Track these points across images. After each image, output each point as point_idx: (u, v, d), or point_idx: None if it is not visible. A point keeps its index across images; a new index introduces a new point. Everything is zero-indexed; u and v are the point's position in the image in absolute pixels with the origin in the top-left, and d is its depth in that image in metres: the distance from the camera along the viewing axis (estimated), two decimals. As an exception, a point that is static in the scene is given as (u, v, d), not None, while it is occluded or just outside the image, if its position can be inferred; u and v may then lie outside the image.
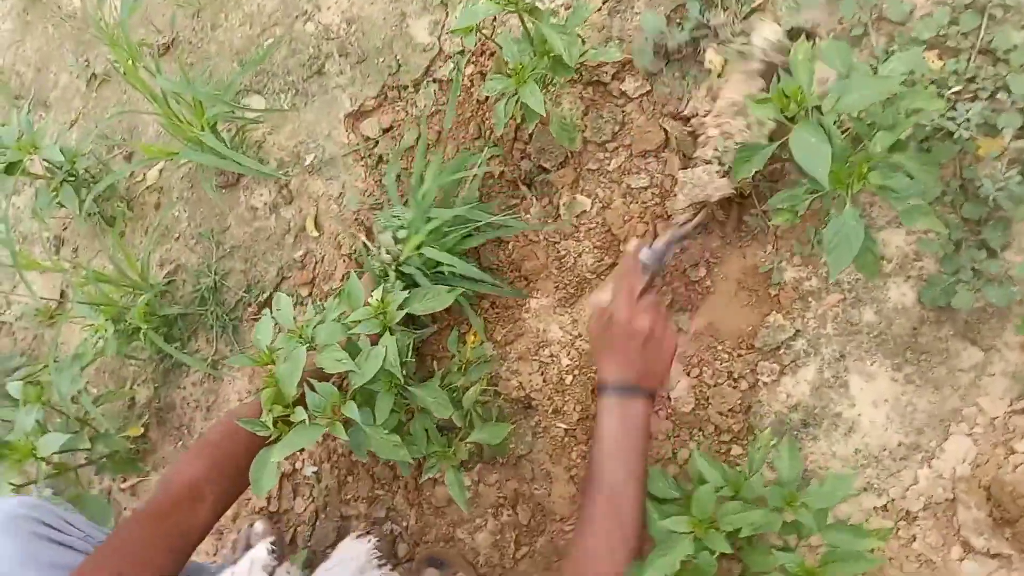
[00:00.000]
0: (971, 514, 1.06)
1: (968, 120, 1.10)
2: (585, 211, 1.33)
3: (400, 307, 1.11)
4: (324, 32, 1.61)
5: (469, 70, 1.48)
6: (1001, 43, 1.13)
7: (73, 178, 1.57)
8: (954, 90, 1.15)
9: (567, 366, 1.32)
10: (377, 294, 1.11)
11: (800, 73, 0.95)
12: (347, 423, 1.05)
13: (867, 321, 1.15)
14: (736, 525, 0.95)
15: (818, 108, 0.97)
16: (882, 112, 0.96)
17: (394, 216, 1.31)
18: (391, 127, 1.53)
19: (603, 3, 1.38)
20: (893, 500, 1.11)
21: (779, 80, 0.96)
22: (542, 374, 1.33)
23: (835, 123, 0.98)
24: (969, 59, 1.15)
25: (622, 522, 0.97)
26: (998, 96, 1.12)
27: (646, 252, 1.14)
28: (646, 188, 1.28)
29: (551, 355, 1.33)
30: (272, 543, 1.30)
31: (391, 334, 1.08)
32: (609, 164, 1.32)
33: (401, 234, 1.29)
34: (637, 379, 1.03)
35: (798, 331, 1.19)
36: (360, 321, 1.09)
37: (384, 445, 1.08)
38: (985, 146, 1.12)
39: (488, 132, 1.44)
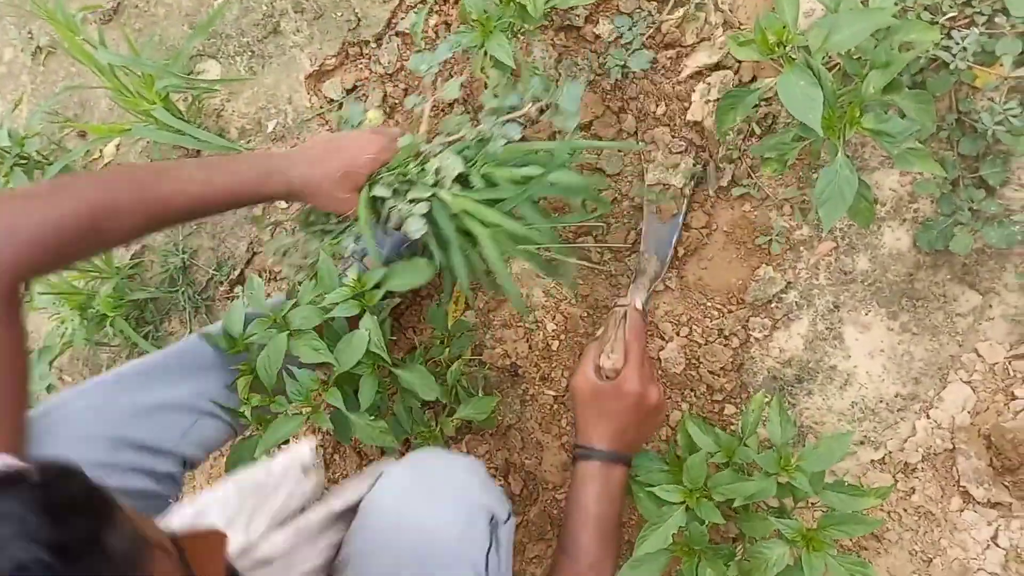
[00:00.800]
0: (971, 463, 1.03)
1: (964, 49, 1.03)
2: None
3: (378, 285, 1.05)
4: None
5: (433, 20, 1.39)
6: (997, -38, 1.05)
7: (24, 161, 1.49)
8: (949, 16, 1.07)
9: (552, 331, 1.27)
10: (353, 273, 1.05)
11: (784, 7, 0.88)
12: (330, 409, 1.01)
13: (861, 269, 1.10)
14: (729, 495, 0.92)
15: (806, 47, 0.90)
16: (874, 48, 0.89)
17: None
18: (354, 87, 1.45)
19: (570, -60, 1.28)
20: (891, 452, 1.08)
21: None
22: (527, 341, 1.29)
23: (824, 62, 0.91)
24: (963, -19, 1.07)
25: None
26: (995, 20, 1.05)
27: (641, 298, 1.07)
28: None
29: (536, 320, 1.28)
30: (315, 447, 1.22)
31: (372, 315, 1.02)
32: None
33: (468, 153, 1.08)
34: (627, 448, 0.96)
35: (789, 283, 1.14)
36: (337, 303, 1.04)
37: (370, 431, 1.04)
38: (983, 76, 1.05)
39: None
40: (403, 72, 1.41)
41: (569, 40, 1.28)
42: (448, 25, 1.37)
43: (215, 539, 0.62)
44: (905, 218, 1.08)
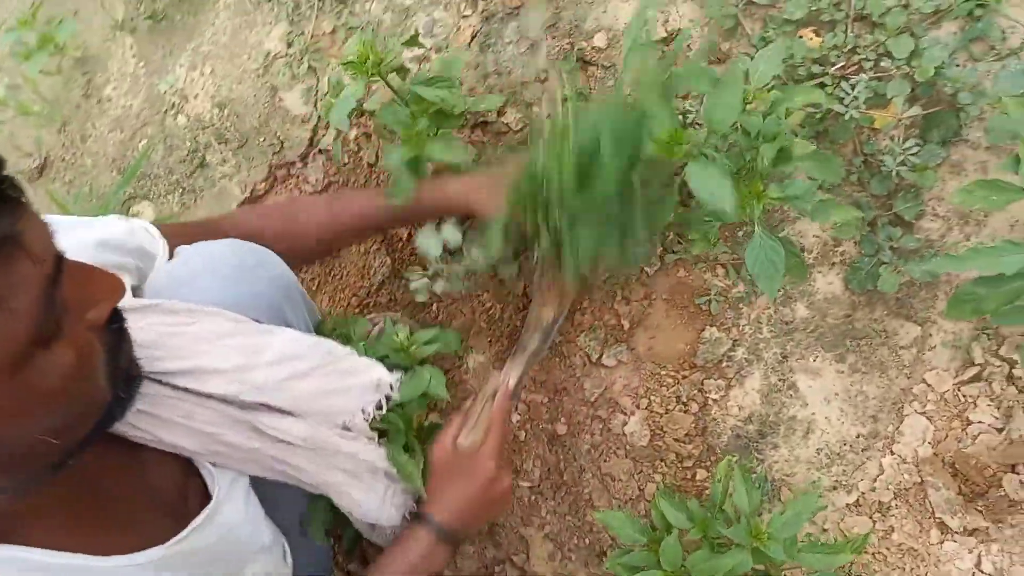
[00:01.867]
0: (941, 494, 1.04)
1: (855, 97, 1.07)
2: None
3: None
4: (197, 122, 1.53)
5: (353, 133, 1.41)
6: (875, 7, 1.10)
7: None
8: (838, 66, 1.11)
9: (518, 422, 1.27)
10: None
11: (661, 114, 0.91)
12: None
13: (801, 317, 1.12)
14: (707, 574, 0.92)
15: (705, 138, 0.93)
16: (763, 121, 0.92)
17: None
18: (288, 208, 1.47)
19: (471, 39, 1.32)
20: (864, 494, 1.09)
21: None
22: (494, 434, 1.29)
23: (720, 146, 0.94)
24: (846, 30, 1.11)
25: None
26: (882, 64, 1.09)
27: (515, 375, 1.08)
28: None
29: (498, 412, 1.28)
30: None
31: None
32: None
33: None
34: (462, 527, 0.95)
35: (735, 341, 1.15)
36: None
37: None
38: (880, 119, 1.08)
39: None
40: (333, 187, 1.43)
41: (485, 135, 1.31)
42: (368, 136, 1.40)
43: (109, 281, 0.61)
44: (833, 262, 1.11)
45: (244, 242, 0.87)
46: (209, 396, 0.77)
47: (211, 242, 0.85)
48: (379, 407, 0.90)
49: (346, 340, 1.04)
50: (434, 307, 1.34)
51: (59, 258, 0.55)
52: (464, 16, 1.33)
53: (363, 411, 0.87)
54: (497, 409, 1.00)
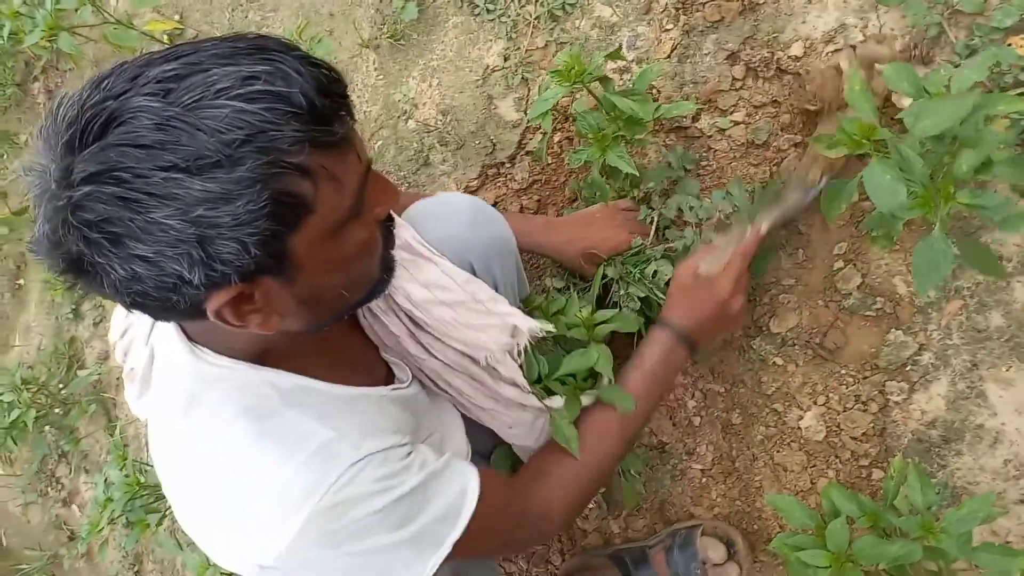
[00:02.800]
0: None
1: (1067, 105, 1.04)
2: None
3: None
4: (424, 127, 1.76)
5: (557, 137, 1.57)
6: (1094, 13, 1.07)
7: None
8: (1051, 72, 1.10)
9: (693, 408, 1.35)
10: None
11: (860, 106, 0.96)
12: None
13: (996, 326, 1.11)
14: (873, 560, 0.95)
15: (896, 135, 0.97)
16: (961, 127, 0.94)
17: None
18: (495, 203, 1.65)
19: (671, 51, 1.43)
20: (1054, 510, 1.06)
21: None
22: (671, 418, 1.38)
23: (919, 146, 0.97)
24: (1060, 37, 1.09)
25: (625, 421, 1.06)
26: (1103, 70, 1.06)
27: (766, 222, 1.14)
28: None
29: (676, 399, 1.37)
30: None
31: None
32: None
33: None
34: (697, 335, 1.10)
35: (922, 345, 1.16)
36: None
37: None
38: (1094, 126, 1.05)
39: (581, 190, 1.51)
40: (535, 185, 1.59)
41: (679, 140, 1.41)
42: (571, 140, 1.55)
43: (393, 190, 0.81)
44: (1035, 271, 1.09)
45: (481, 202, 1.09)
46: (397, 304, 0.97)
47: (459, 195, 1.06)
48: (518, 352, 1.04)
49: (544, 310, 1.19)
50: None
51: (368, 162, 0.75)
52: (666, 30, 1.43)
53: (494, 353, 1.01)
54: (742, 245, 1.11)
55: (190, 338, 0.81)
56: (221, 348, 0.80)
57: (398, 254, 0.97)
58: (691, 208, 1.28)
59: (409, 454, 0.83)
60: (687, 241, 1.25)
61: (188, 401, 0.79)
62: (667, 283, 1.19)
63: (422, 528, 0.80)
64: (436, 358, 1.01)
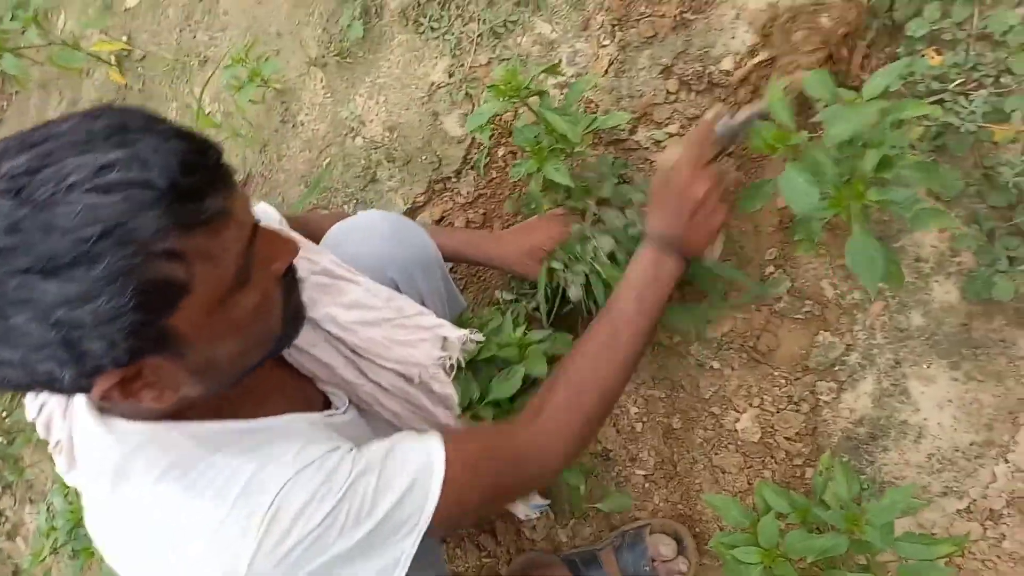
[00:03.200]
0: (1058, 505, 1.04)
1: (972, 111, 1.10)
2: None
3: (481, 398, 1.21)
4: (371, 144, 1.77)
5: (502, 151, 1.59)
6: (997, 26, 1.13)
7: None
8: (958, 83, 1.15)
9: (636, 414, 1.38)
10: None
11: (778, 113, 1.01)
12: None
13: (916, 325, 1.16)
14: (802, 553, 0.98)
15: (810, 139, 1.01)
16: (871, 132, 0.99)
17: None
18: (442, 217, 1.67)
19: (608, 67, 1.47)
20: (975, 501, 1.10)
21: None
22: (614, 425, 1.40)
23: (834, 150, 1.02)
24: (967, 49, 1.15)
25: (618, 342, 1.01)
26: (1002, 80, 1.12)
27: (723, 122, 1.12)
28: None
29: (619, 406, 1.40)
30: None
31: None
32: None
33: None
34: (678, 240, 1.05)
35: (849, 345, 1.20)
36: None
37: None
38: (999, 133, 1.11)
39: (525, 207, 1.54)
40: (481, 199, 1.61)
41: (618, 151, 1.44)
42: (514, 154, 1.58)
43: (288, 243, 0.78)
44: (950, 272, 1.14)
45: (400, 217, 1.09)
46: (327, 332, 0.95)
47: (376, 212, 1.06)
48: (450, 367, 1.03)
49: (481, 328, 1.21)
50: (563, 311, 1.47)
51: (255, 225, 0.72)
52: (603, 46, 1.48)
53: (427, 368, 1.00)
54: (694, 132, 1.10)
55: (102, 409, 0.78)
56: (134, 415, 0.76)
57: (318, 280, 0.97)
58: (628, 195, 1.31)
59: (348, 452, 0.80)
60: (626, 221, 1.26)
61: (114, 475, 0.75)
62: (609, 255, 1.22)
63: (386, 516, 0.76)
64: (372, 381, 1.00)
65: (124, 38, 2.40)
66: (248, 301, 0.71)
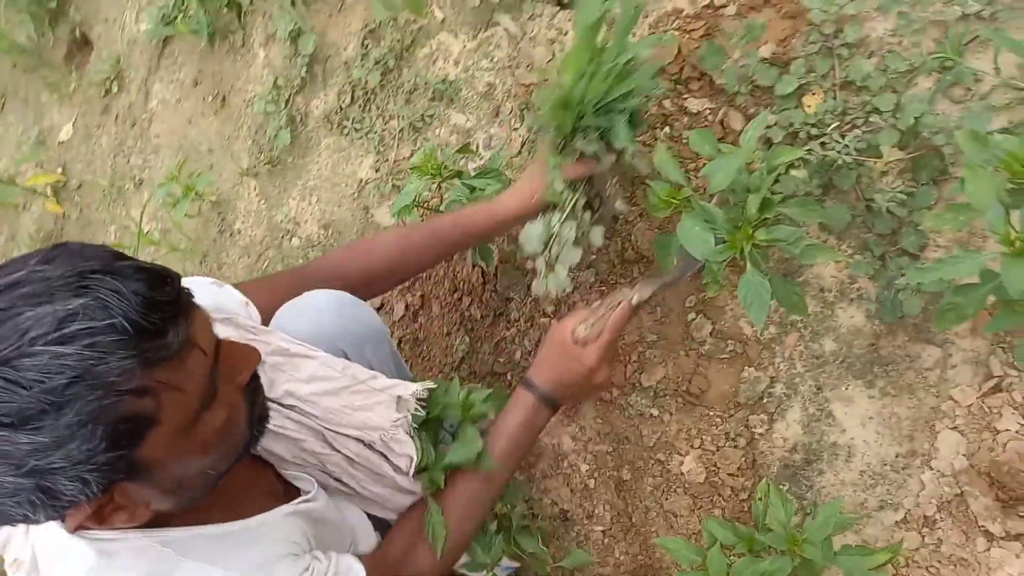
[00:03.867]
0: (981, 503, 1.09)
1: (846, 146, 1.22)
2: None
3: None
4: (307, 242, 1.84)
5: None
6: (856, 75, 1.26)
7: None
8: (834, 126, 1.27)
9: (586, 471, 1.41)
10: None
11: (668, 172, 1.10)
12: None
13: (830, 350, 1.23)
14: (749, 579, 1.01)
15: (700, 192, 1.11)
16: (749, 177, 1.09)
17: None
18: (382, 304, 1.72)
19: (521, 147, 1.57)
20: (909, 510, 1.15)
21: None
22: (567, 485, 1.43)
23: (721, 201, 1.12)
24: (835, 96, 1.28)
25: (491, 484, 1.10)
26: (871, 119, 1.24)
27: (642, 295, 1.15)
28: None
29: (570, 465, 1.43)
30: None
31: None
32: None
33: None
34: (561, 398, 1.14)
35: (773, 378, 1.27)
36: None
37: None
38: (878, 166, 1.23)
39: (461, 283, 1.61)
40: (417, 282, 1.67)
41: (540, 223, 1.53)
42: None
43: (250, 354, 0.80)
44: (852, 297, 1.22)
45: (345, 294, 1.13)
46: (288, 408, 0.99)
47: (320, 291, 1.10)
48: (410, 423, 1.08)
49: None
50: (508, 376, 1.53)
51: (218, 344, 0.74)
52: (514, 129, 1.58)
53: (386, 430, 1.04)
54: (616, 316, 1.14)
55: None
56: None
57: (273, 360, 1.01)
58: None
59: (304, 570, 0.86)
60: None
61: None
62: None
63: None
64: (339, 451, 1.03)
65: (59, 170, 2.46)
66: (215, 418, 0.74)
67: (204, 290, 1.04)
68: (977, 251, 0.90)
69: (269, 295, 1.12)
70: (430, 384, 1.13)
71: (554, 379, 1.14)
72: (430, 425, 1.22)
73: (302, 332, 1.09)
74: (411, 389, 1.09)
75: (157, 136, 2.21)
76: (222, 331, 0.94)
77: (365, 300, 1.18)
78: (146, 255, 2.11)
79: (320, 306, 1.11)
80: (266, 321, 1.11)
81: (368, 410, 1.05)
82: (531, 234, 1.24)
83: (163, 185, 1.90)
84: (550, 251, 1.25)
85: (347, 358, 1.12)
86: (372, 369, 1.15)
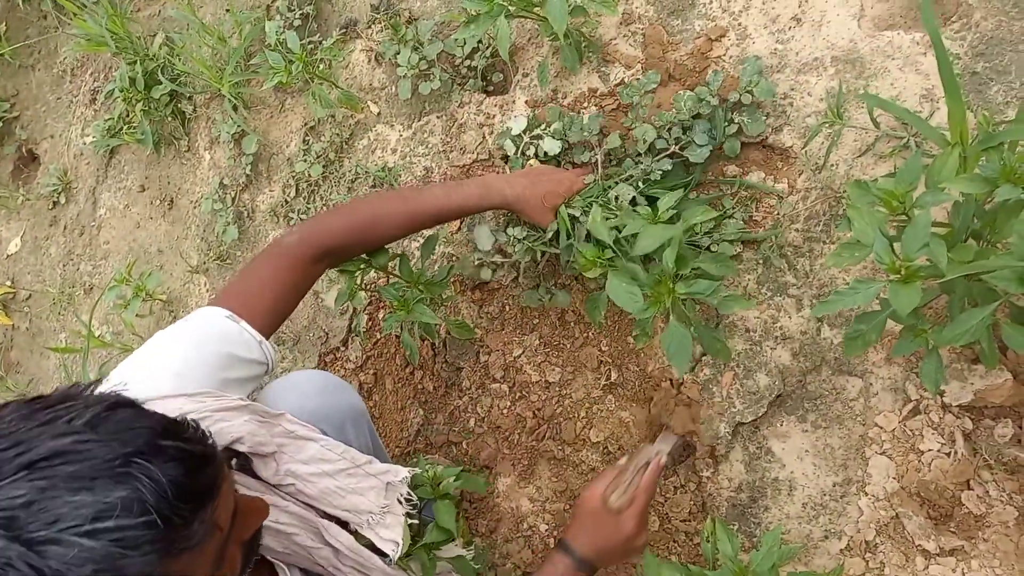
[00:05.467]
0: (915, 522, 1.15)
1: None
2: (504, 395, 1.51)
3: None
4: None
5: (381, 313, 1.72)
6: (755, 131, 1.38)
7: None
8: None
9: (545, 531, 1.44)
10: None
11: (598, 232, 1.18)
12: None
13: (764, 385, 1.30)
14: (703, 615, 1.04)
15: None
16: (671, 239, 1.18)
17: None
18: (336, 386, 1.75)
19: (459, 225, 1.65)
20: (851, 537, 1.20)
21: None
22: (529, 547, 1.45)
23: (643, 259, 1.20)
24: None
25: None
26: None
27: (667, 448, 1.22)
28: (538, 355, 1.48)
29: (530, 527, 1.45)
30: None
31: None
32: (513, 350, 1.53)
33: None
34: (597, 563, 1.14)
35: (711, 418, 1.33)
36: None
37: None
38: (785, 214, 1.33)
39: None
40: (371, 360, 1.72)
41: (484, 293, 1.60)
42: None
43: (259, 511, 0.82)
44: (776, 336, 1.30)
45: (329, 375, 1.17)
46: (286, 489, 1.01)
47: (304, 371, 1.12)
48: (404, 502, 1.10)
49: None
50: (463, 444, 1.56)
51: (235, 511, 0.75)
52: (452, 207, 1.67)
53: (374, 514, 1.06)
54: (648, 479, 1.17)
55: None
56: None
57: (279, 441, 1.02)
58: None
59: None
60: (644, 167, 1.34)
61: None
62: (631, 202, 1.30)
63: None
64: (329, 544, 1.04)
65: (8, 283, 2.47)
66: None
67: (224, 335, 1.04)
68: (872, 281, 0.99)
69: (266, 309, 1.11)
70: (416, 469, 1.16)
71: (592, 546, 1.15)
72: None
73: (289, 409, 1.11)
74: (401, 475, 1.11)
75: (106, 242, 2.25)
76: (239, 420, 0.96)
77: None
78: (97, 357, 2.11)
79: (304, 388, 1.14)
80: (269, 331, 1.12)
81: (360, 493, 1.07)
82: (481, 235, 1.42)
83: (112, 288, 1.92)
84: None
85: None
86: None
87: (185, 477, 0.65)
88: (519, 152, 1.48)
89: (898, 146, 1.24)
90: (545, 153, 1.43)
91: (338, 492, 1.04)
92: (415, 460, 1.34)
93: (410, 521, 1.12)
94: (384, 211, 1.24)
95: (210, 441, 0.73)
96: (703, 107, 1.32)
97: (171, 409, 0.75)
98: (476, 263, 1.54)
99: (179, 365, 0.98)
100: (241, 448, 0.95)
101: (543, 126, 1.47)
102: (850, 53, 1.29)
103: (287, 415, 1.06)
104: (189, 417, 0.74)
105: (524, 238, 1.42)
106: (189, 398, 0.93)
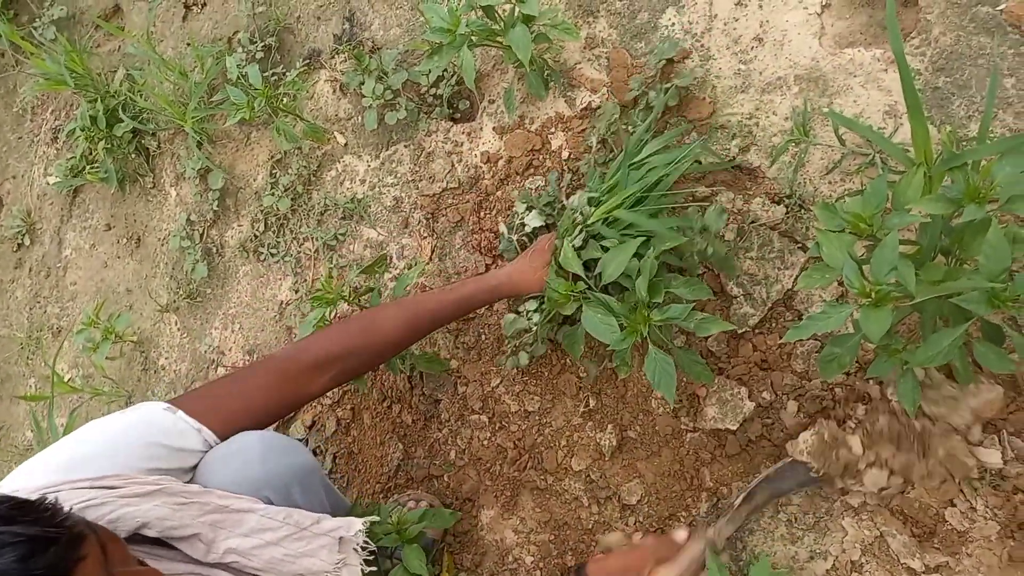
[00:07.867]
0: (899, 541, 1.15)
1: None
2: (484, 426, 1.50)
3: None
4: (233, 369, 1.84)
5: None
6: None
7: None
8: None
9: (531, 563, 1.42)
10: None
11: (570, 266, 1.17)
12: None
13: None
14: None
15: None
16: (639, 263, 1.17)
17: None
18: (313, 422, 1.72)
19: (431, 253, 1.64)
20: (837, 558, 1.19)
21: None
22: (515, 580, 1.43)
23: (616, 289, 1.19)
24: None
25: None
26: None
27: (725, 534, 1.22)
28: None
29: (515, 559, 1.43)
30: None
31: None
32: (491, 380, 1.51)
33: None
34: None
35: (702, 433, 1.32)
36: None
37: None
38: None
39: (389, 391, 1.63)
40: (347, 396, 1.69)
41: (461, 324, 1.58)
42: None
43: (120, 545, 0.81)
44: (753, 359, 1.30)
45: (275, 435, 1.12)
46: (228, 565, 0.97)
47: (247, 434, 1.09)
48: (360, 550, 1.08)
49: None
50: (445, 477, 1.54)
51: None
52: (424, 238, 1.65)
53: (329, 572, 1.04)
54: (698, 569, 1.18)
55: None
56: None
57: (212, 518, 0.99)
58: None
59: None
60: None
61: None
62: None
63: None
64: None
65: (-27, 329, 2.41)
66: None
67: (151, 426, 1.03)
68: (843, 304, 0.99)
69: (232, 413, 1.11)
70: (374, 517, 1.13)
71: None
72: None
73: (229, 479, 1.07)
74: (354, 529, 1.09)
75: (73, 283, 2.21)
76: (148, 505, 0.94)
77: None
78: (67, 403, 2.07)
79: (247, 456, 1.10)
80: (229, 432, 1.09)
81: (311, 555, 1.05)
82: (509, 321, 1.39)
83: (81, 331, 1.88)
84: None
85: (271, 504, 1.12)
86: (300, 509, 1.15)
87: (17, 563, 0.66)
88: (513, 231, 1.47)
89: (864, 163, 1.24)
90: (533, 230, 1.43)
91: (286, 560, 1.02)
92: (376, 508, 1.31)
93: (369, 569, 1.10)
94: (381, 315, 1.25)
95: (68, 523, 0.73)
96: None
97: (31, 491, 0.75)
98: (512, 350, 1.49)
99: (87, 451, 0.98)
100: (149, 533, 0.93)
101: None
102: (813, 71, 1.30)
103: (216, 492, 1.03)
104: (49, 499, 0.75)
105: (536, 309, 1.41)
106: (72, 485, 0.92)
